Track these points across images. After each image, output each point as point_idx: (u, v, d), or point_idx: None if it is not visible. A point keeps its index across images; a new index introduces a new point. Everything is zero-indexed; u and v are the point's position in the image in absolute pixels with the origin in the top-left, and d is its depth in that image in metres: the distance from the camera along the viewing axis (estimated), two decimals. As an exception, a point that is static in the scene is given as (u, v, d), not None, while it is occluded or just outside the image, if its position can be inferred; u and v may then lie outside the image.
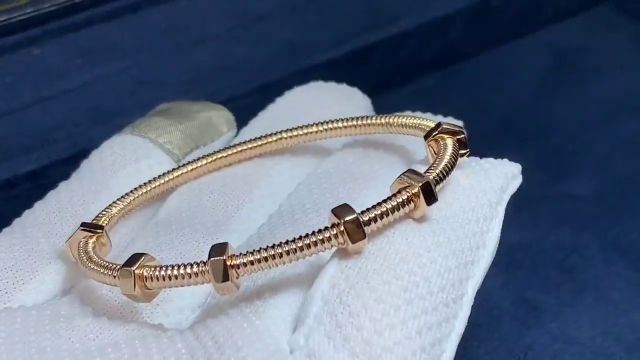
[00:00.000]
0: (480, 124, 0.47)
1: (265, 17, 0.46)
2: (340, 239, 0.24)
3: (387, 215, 0.25)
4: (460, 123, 0.35)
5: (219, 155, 0.33)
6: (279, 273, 0.27)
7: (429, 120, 0.30)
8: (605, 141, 0.46)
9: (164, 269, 0.25)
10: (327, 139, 0.33)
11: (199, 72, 0.43)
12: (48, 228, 0.30)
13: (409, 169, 0.26)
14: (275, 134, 0.33)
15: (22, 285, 0.28)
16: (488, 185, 0.28)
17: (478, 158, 0.29)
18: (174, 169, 0.33)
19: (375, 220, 0.25)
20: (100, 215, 0.30)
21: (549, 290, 0.38)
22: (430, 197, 0.25)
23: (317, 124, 0.33)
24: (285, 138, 0.33)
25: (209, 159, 0.33)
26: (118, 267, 0.26)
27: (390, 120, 0.31)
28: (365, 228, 0.24)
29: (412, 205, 0.25)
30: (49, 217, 0.31)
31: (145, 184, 0.32)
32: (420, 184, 0.25)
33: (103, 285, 0.28)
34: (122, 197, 0.31)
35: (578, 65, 0.51)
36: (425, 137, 0.29)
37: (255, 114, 0.44)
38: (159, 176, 0.32)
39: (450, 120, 0.35)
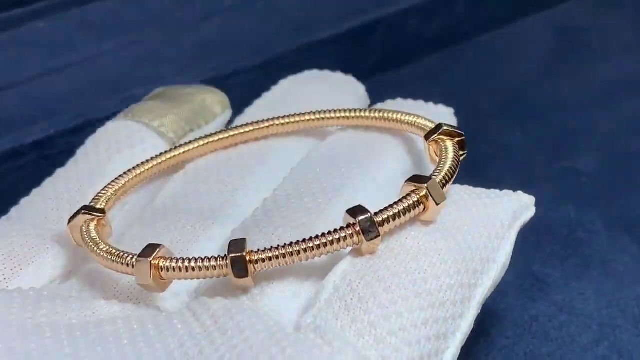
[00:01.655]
0: (484, 103, 0.47)
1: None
2: (356, 239, 0.25)
3: (399, 216, 0.26)
4: (450, 110, 0.36)
5: (213, 139, 0.33)
6: None
7: (427, 120, 0.31)
8: (608, 119, 0.46)
9: (181, 260, 0.25)
10: (319, 127, 0.34)
11: (203, 47, 0.43)
12: (45, 214, 0.30)
13: (414, 175, 0.27)
14: (268, 120, 0.33)
15: (20, 271, 0.28)
16: (501, 209, 0.29)
17: (495, 190, 0.30)
18: (167, 151, 0.32)
19: (388, 222, 0.25)
20: (97, 198, 0.30)
21: (554, 264, 0.38)
22: (437, 197, 0.26)
23: (311, 113, 0.33)
24: (278, 125, 0.33)
25: (203, 142, 0.33)
26: (133, 257, 0.26)
27: (386, 115, 0.32)
28: (380, 229, 0.25)
29: (421, 207, 0.26)
30: (45, 204, 0.31)
31: (139, 165, 0.32)
32: (427, 185, 0.26)
33: (102, 271, 0.28)
34: (117, 179, 0.31)
35: (582, 45, 0.51)
36: (426, 137, 0.30)
37: (259, 90, 0.44)
38: (153, 158, 0.32)
39: (440, 107, 0.35)
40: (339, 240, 0.25)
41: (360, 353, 0.24)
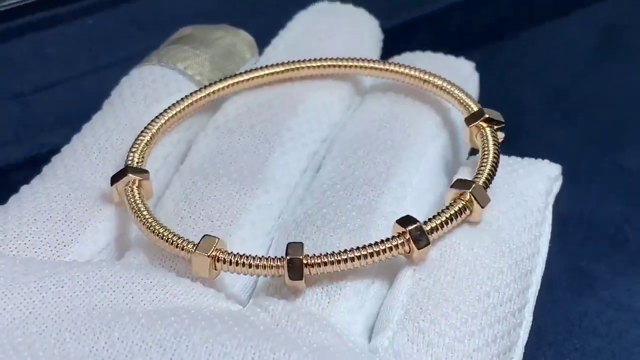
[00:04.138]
0: (529, 98, 0.47)
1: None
2: (407, 247, 0.26)
3: (447, 223, 0.27)
4: (471, 65, 0.37)
5: (243, 78, 0.33)
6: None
7: (472, 99, 0.31)
8: (654, 115, 0.46)
9: (238, 256, 0.26)
10: (355, 74, 0.34)
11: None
12: (91, 169, 0.30)
13: (458, 180, 0.28)
14: (299, 62, 0.33)
15: (78, 236, 0.28)
16: (535, 191, 0.29)
17: (518, 158, 0.31)
18: (196, 91, 0.32)
19: (437, 230, 0.26)
20: (133, 150, 0.30)
21: (601, 259, 0.38)
22: (483, 201, 0.27)
23: (349, 59, 0.33)
24: (310, 67, 0.33)
25: (232, 81, 0.33)
26: (191, 245, 0.26)
27: (433, 80, 0.32)
28: (430, 236, 0.26)
29: (467, 212, 0.27)
30: (90, 158, 0.30)
31: (169, 108, 0.31)
32: (471, 190, 0.27)
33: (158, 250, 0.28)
34: (149, 125, 0.31)
35: (626, 41, 0.51)
36: (468, 121, 0.30)
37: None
38: (182, 99, 0.32)
39: (462, 62, 0.37)
40: (391, 249, 0.26)
41: None
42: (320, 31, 0.36)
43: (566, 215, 0.39)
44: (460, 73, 0.35)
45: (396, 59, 0.36)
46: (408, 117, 0.32)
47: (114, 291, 0.25)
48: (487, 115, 0.30)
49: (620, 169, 0.43)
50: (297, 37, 0.36)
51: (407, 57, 0.36)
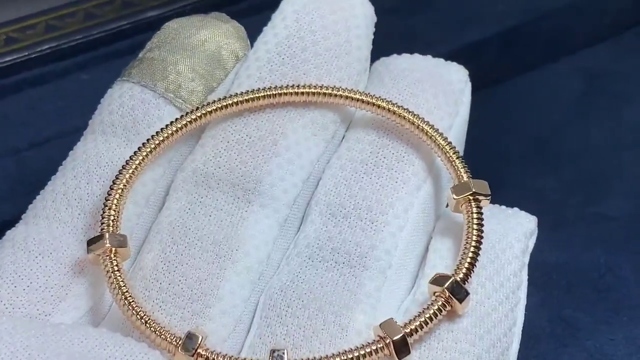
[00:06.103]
0: (513, 148, 0.48)
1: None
2: (387, 351, 0.27)
3: (427, 323, 0.27)
4: (464, 72, 0.36)
5: (222, 104, 0.32)
6: None
7: (464, 166, 0.31)
8: (637, 163, 0.46)
9: (221, 356, 0.27)
10: (349, 106, 0.33)
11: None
12: (73, 223, 0.30)
13: (438, 276, 0.28)
14: (283, 87, 0.32)
15: (59, 304, 0.28)
16: (511, 253, 0.30)
17: (495, 207, 0.31)
18: (174, 122, 0.32)
19: (417, 331, 0.27)
20: (109, 204, 0.29)
21: (585, 308, 0.38)
22: (462, 297, 0.28)
23: (339, 89, 0.32)
24: (293, 94, 0.32)
25: (211, 108, 0.32)
26: (175, 339, 0.27)
27: (426, 130, 0.31)
28: (409, 339, 0.27)
29: (448, 307, 0.28)
30: (70, 209, 0.30)
31: (146, 142, 0.31)
32: (450, 288, 0.27)
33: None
34: (125, 167, 0.30)
35: (609, 90, 0.51)
36: (455, 192, 0.30)
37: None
38: (160, 131, 0.31)
39: (453, 67, 0.35)
40: (370, 353, 0.27)
41: None
42: (305, 35, 0.34)
43: (549, 264, 0.40)
44: (452, 87, 0.34)
45: (384, 60, 0.35)
46: (395, 159, 0.31)
47: None
48: (475, 190, 0.30)
49: (604, 218, 0.43)
50: (280, 42, 0.34)
51: (395, 61, 0.35)
